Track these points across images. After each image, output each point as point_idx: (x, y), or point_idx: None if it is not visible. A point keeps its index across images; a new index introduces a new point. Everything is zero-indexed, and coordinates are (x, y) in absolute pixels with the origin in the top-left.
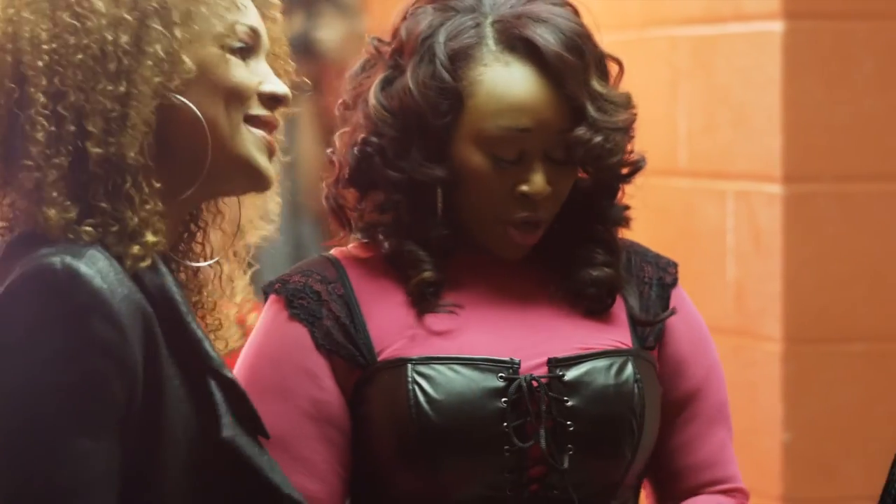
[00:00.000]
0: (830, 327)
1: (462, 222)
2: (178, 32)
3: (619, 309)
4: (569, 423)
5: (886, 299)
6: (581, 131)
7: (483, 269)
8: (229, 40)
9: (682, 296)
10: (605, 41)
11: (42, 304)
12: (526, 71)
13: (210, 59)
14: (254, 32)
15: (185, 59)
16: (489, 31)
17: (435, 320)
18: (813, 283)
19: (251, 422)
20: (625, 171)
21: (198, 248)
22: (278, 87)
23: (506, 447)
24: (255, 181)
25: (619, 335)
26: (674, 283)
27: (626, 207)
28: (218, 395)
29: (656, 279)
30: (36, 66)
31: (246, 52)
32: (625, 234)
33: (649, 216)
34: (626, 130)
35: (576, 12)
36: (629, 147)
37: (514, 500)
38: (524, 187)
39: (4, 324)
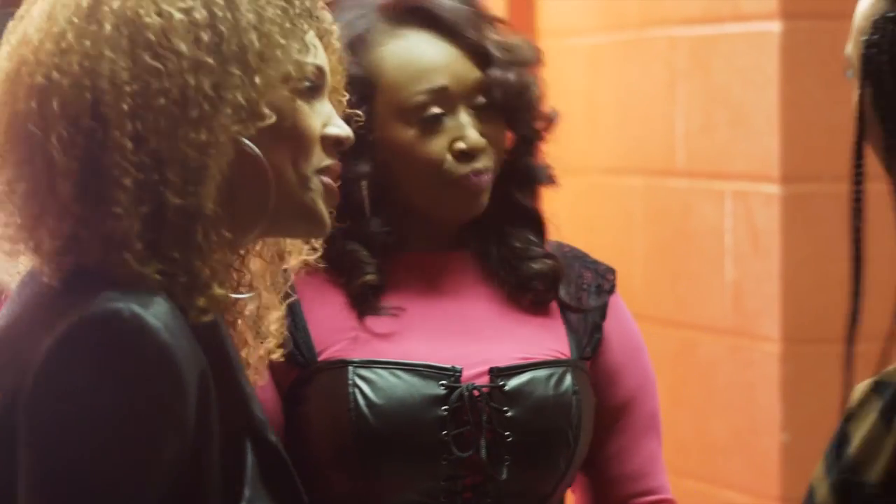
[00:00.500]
0: (829, 327)
1: (405, 210)
2: (256, 78)
3: (556, 317)
4: (507, 433)
5: (885, 299)
6: (495, 72)
7: (424, 268)
8: (298, 83)
9: (619, 304)
10: (604, 41)
11: (106, 355)
12: (423, 35)
13: (281, 104)
14: (320, 72)
15: (263, 107)
16: (375, 16)
17: (376, 322)
18: (811, 284)
19: (292, 491)
20: (540, 126)
21: (236, 276)
22: (342, 129)
23: (444, 456)
24: (315, 228)
25: (557, 344)
26: (612, 289)
27: (549, 167)
28: (249, 461)
29: (595, 286)
30: (119, 109)
31: (312, 92)
32: (623, 232)
33: (647, 216)
34: (535, 64)
35: None
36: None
37: None
38: (460, 144)
39: (66, 368)
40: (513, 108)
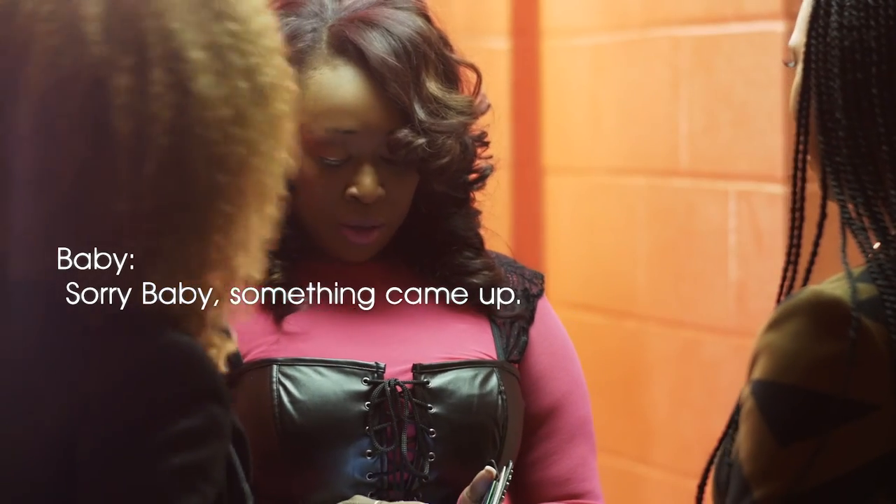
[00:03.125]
0: None
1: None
2: None
3: (483, 322)
4: (431, 430)
5: None
6: (402, 133)
7: (343, 272)
8: None
9: (546, 309)
10: (607, 41)
11: (172, 387)
12: (352, 73)
13: None
14: None
15: None
16: (324, 36)
17: (296, 324)
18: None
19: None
20: (471, 177)
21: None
22: None
23: (367, 451)
24: None
25: (483, 347)
26: (539, 294)
27: (477, 213)
28: (235, 458)
29: (521, 290)
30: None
31: None
32: (626, 233)
33: (651, 217)
34: (458, 134)
35: (426, 18)
36: (481, 151)
37: None
38: (353, 190)
39: (135, 399)
40: (421, 170)
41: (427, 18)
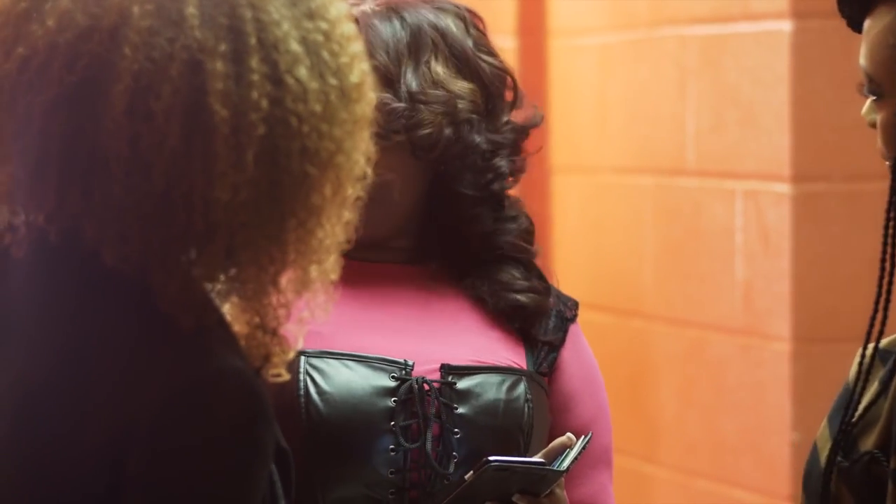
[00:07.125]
0: (839, 327)
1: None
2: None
3: (515, 334)
4: (456, 430)
5: (895, 299)
6: (382, 96)
7: (379, 273)
8: None
9: (578, 335)
10: (614, 40)
11: (221, 415)
12: None
13: None
14: None
15: None
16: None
17: (328, 319)
18: (822, 283)
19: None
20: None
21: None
22: None
23: (391, 447)
24: None
25: (514, 355)
26: (573, 319)
27: (525, 224)
28: (276, 476)
29: (555, 310)
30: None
31: None
32: (633, 232)
33: (657, 216)
34: (452, 116)
35: (461, 20)
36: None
37: (395, 503)
38: None
39: (184, 428)
40: (401, 134)
41: (463, 21)
